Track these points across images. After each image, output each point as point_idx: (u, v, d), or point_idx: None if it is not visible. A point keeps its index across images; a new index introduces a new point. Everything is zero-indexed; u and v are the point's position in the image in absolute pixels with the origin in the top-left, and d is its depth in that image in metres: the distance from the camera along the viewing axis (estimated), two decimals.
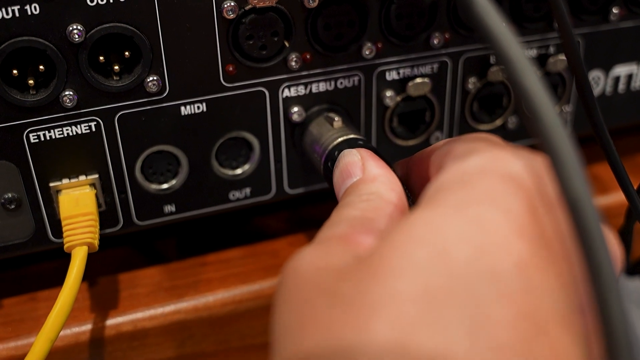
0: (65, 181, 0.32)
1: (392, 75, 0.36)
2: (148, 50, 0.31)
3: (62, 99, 0.30)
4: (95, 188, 0.33)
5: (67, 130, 0.31)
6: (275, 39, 0.32)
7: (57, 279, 0.31)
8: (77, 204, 0.32)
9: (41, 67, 0.30)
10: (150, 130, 0.33)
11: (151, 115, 0.32)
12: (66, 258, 0.31)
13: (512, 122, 0.40)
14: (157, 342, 0.35)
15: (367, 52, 0.34)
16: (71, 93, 0.30)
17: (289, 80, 0.34)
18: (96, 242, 0.31)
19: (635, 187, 0.31)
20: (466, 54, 0.37)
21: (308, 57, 0.34)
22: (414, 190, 0.27)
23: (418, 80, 0.36)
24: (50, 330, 0.28)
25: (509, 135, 0.40)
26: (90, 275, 0.36)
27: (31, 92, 0.30)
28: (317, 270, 0.20)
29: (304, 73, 0.34)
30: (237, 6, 0.31)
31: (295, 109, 0.35)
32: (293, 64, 0.33)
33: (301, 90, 0.34)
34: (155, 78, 0.31)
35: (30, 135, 0.31)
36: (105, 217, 0.34)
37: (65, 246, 0.31)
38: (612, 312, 0.16)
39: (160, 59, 0.31)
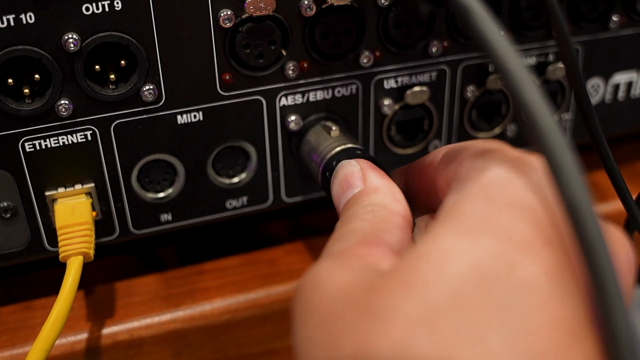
0: (61, 190, 0.32)
1: (390, 84, 0.36)
2: (144, 59, 0.30)
3: (57, 108, 0.30)
4: (91, 197, 0.33)
5: (62, 139, 0.31)
6: (272, 47, 0.32)
7: (54, 287, 0.31)
8: (73, 213, 0.32)
9: (37, 76, 0.30)
10: (147, 139, 0.33)
11: (147, 124, 0.32)
12: (62, 266, 0.31)
13: (511, 130, 0.40)
14: (154, 351, 0.34)
15: (364, 61, 0.34)
16: (67, 102, 0.30)
17: (286, 89, 0.34)
18: (91, 252, 0.31)
19: (634, 198, 0.31)
20: (465, 62, 0.37)
21: (305, 65, 0.33)
22: (414, 199, 0.27)
23: (416, 88, 0.36)
24: (45, 340, 0.28)
25: (507, 144, 0.40)
26: (86, 283, 0.36)
27: (27, 101, 0.30)
28: (341, 284, 0.20)
29: (301, 81, 0.34)
30: (234, 15, 0.31)
31: (293, 117, 0.34)
32: (290, 72, 0.33)
33: (298, 99, 0.34)
34: (151, 87, 0.31)
35: (26, 144, 0.31)
36: (102, 226, 0.34)
37: (61, 256, 0.31)
38: (615, 319, 0.16)
39: (156, 68, 0.31)
